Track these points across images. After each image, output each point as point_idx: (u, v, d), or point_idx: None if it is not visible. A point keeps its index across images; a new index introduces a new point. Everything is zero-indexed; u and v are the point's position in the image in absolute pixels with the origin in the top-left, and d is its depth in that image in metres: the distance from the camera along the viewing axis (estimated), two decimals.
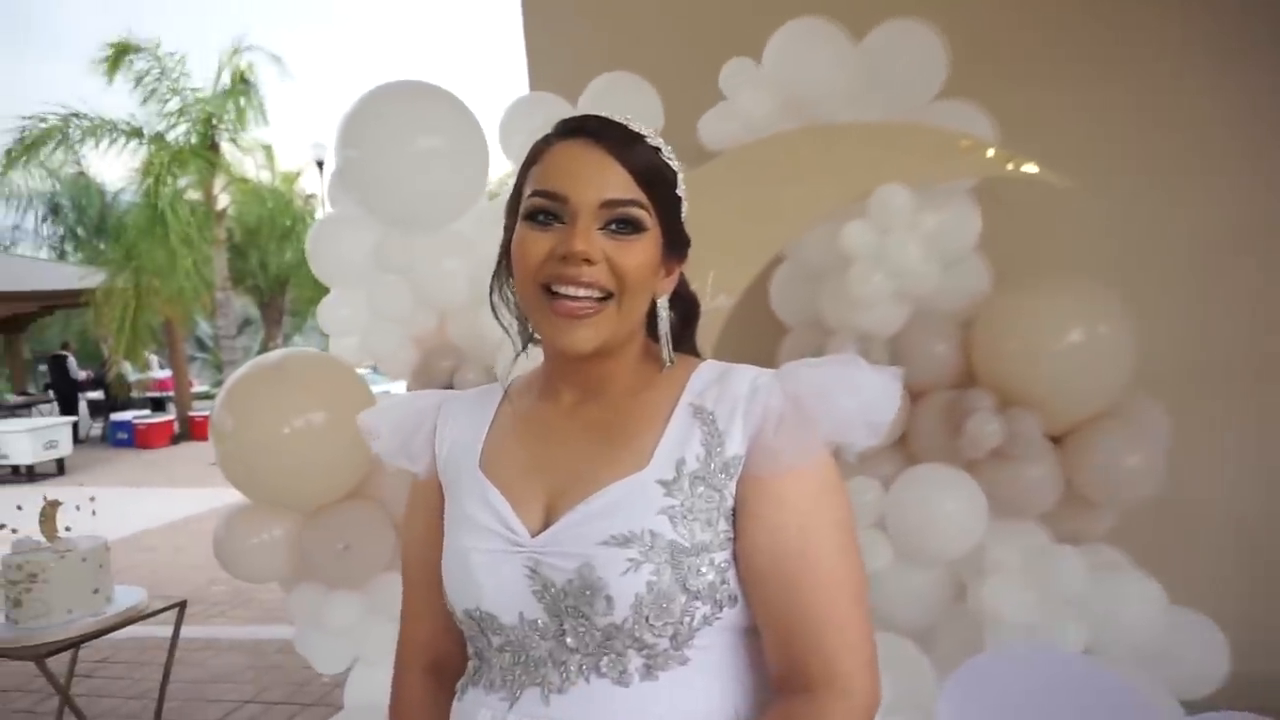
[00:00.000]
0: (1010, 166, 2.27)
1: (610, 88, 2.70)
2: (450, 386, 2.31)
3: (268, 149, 15.85)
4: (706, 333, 2.60)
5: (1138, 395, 2.37)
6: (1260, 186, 2.80)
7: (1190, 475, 2.54)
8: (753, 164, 2.45)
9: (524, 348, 0.96)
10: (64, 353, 14.49)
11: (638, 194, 0.86)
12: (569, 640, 0.82)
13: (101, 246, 15.30)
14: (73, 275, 13.23)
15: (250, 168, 15.09)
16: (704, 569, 0.81)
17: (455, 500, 0.94)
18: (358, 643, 2.25)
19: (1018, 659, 1.83)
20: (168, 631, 2.91)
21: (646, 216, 0.86)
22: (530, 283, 0.86)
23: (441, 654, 1.00)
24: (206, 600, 5.34)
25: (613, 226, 0.85)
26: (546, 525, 0.86)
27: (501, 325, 0.96)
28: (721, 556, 0.82)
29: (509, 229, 0.91)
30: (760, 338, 2.75)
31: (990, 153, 2.30)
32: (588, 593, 0.81)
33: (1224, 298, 2.82)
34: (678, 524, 0.82)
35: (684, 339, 0.97)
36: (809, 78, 2.47)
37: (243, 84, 12.95)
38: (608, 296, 0.85)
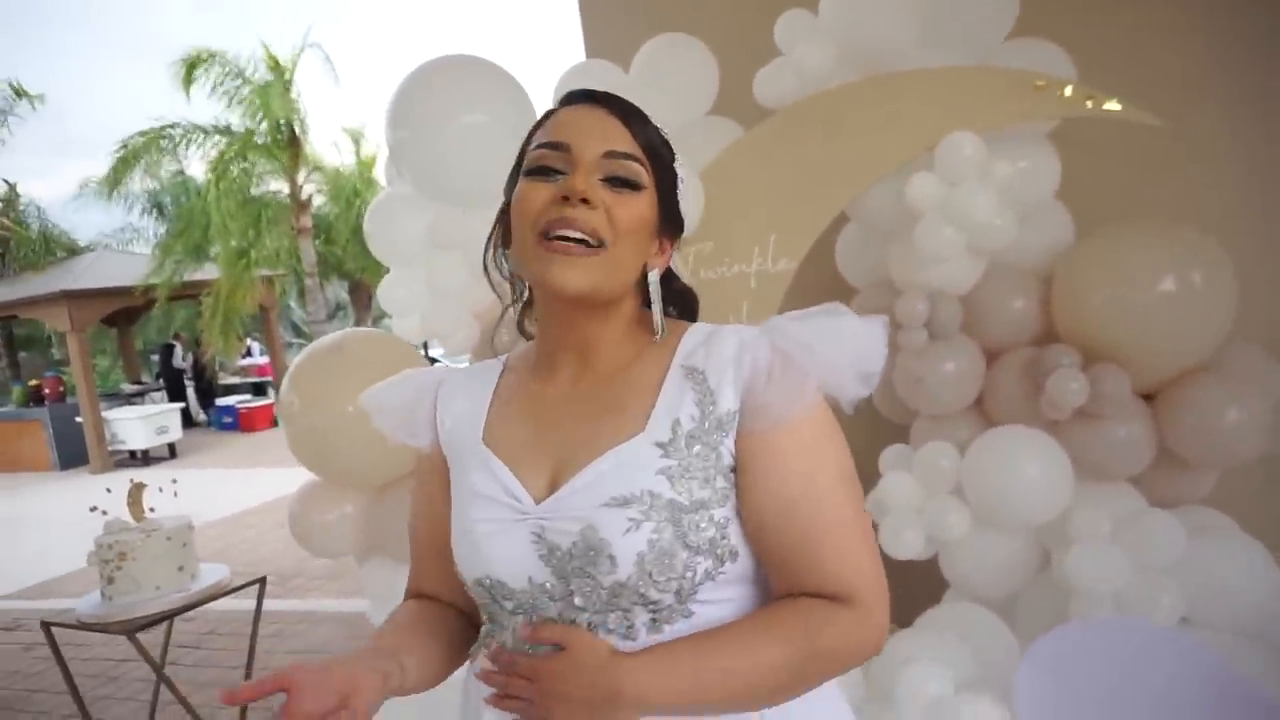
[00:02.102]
0: (1090, 105, 2.11)
1: (662, 49, 2.64)
2: None
3: (356, 135, 16.22)
4: (770, 297, 2.54)
5: (1241, 345, 2.20)
6: None
7: None
8: (810, 120, 2.35)
9: (517, 310, 1.00)
10: (173, 342, 15.32)
11: (638, 152, 0.90)
12: (577, 600, 0.85)
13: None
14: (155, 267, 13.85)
15: (333, 156, 15.53)
16: (703, 525, 0.84)
17: (461, 474, 0.97)
18: None
19: (1100, 630, 1.72)
20: (269, 606, 3.05)
21: (644, 175, 0.90)
22: (529, 230, 0.88)
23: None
24: (306, 574, 5.58)
25: (613, 180, 0.88)
26: (551, 493, 0.89)
27: (492, 287, 1.00)
28: (720, 512, 0.85)
29: (509, 193, 0.95)
30: (826, 301, 2.66)
31: (1068, 91, 2.14)
32: (592, 553, 0.83)
33: None
34: (676, 483, 0.84)
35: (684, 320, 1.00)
36: (869, 26, 2.35)
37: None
38: (601, 245, 0.87)
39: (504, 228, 0.96)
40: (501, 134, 2.26)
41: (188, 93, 12.63)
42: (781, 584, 0.87)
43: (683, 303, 1.01)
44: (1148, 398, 2.19)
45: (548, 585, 0.86)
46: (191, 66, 12.56)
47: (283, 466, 9.89)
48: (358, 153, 16.31)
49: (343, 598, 5.05)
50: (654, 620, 0.84)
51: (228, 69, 12.75)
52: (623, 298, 0.93)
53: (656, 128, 0.94)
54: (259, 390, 15.41)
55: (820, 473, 0.85)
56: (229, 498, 8.35)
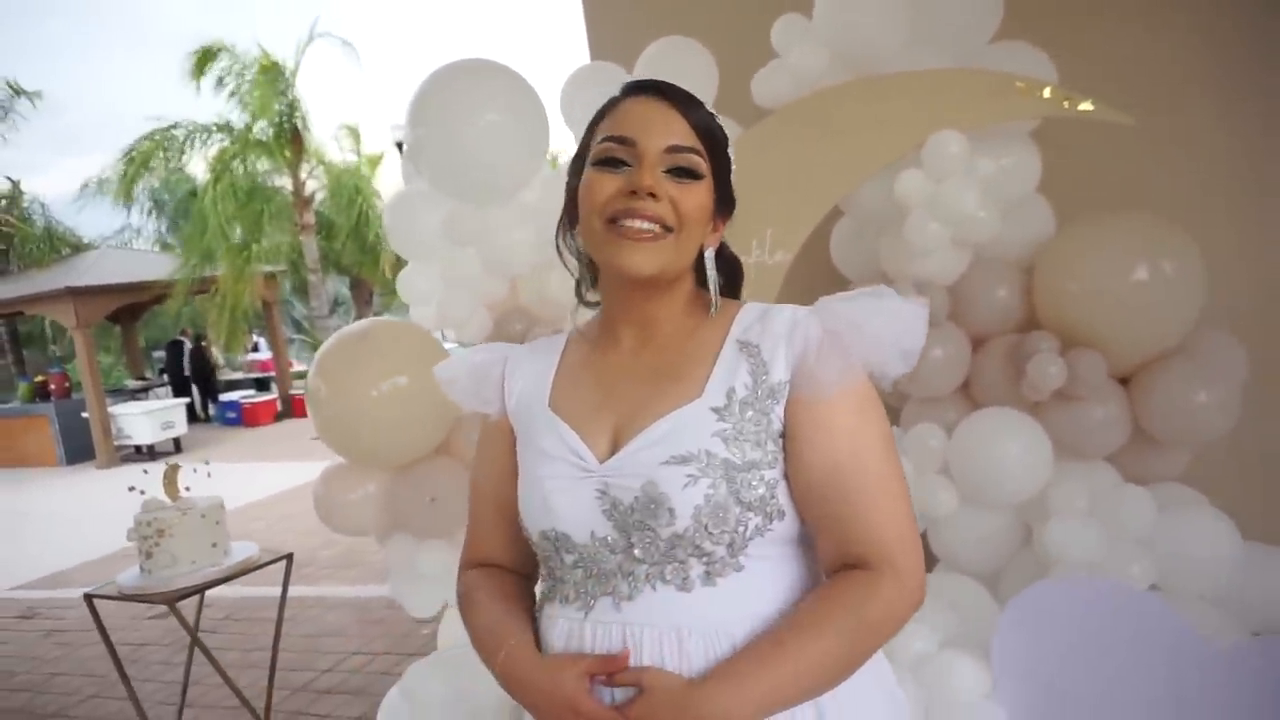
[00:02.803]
0: (1066, 105, 2.24)
1: (665, 51, 2.75)
2: None
3: (353, 130, 16.26)
4: (767, 288, 2.66)
5: (1209, 331, 2.33)
6: None
7: (1270, 411, 2.49)
8: (804, 119, 2.47)
9: (591, 286, 1.07)
10: (181, 338, 15.38)
11: (697, 144, 0.97)
12: (637, 552, 0.92)
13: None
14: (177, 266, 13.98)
15: (335, 153, 15.56)
16: (755, 483, 0.91)
17: (528, 438, 1.04)
18: (447, 588, 2.42)
19: (1074, 588, 1.86)
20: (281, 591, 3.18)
21: (703, 165, 0.98)
22: (597, 218, 0.96)
23: (495, 563, 1.13)
24: (316, 563, 5.71)
25: (675, 171, 0.96)
26: (613, 453, 0.96)
27: (566, 267, 1.08)
28: (770, 474, 0.92)
29: (574, 178, 1.02)
30: (820, 292, 2.76)
31: (1047, 92, 2.27)
32: (653, 506, 0.91)
33: None
34: (730, 444, 0.92)
35: (729, 295, 1.08)
36: (860, 30, 2.46)
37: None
38: (668, 231, 0.95)
39: (571, 211, 1.04)
40: (514, 134, 2.40)
41: (198, 86, 12.70)
42: (826, 549, 0.94)
43: (730, 271, 1.09)
44: (1123, 380, 2.32)
45: (609, 538, 0.93)
46: (203, 60, 12.63)
47: (286, 460, 10.03)
48: (358, 150, 16.37)
49: (354, 584, 5.19)
50: (707, 573, 0.91)
51: (235, 63, 12.83)
52: (683, 277, 1.02)
53: (711, 114, 1.00)
54: (262, 386, 15.50)
55: (864, 442, 0.92)
56: (235, 491, 8.45)
